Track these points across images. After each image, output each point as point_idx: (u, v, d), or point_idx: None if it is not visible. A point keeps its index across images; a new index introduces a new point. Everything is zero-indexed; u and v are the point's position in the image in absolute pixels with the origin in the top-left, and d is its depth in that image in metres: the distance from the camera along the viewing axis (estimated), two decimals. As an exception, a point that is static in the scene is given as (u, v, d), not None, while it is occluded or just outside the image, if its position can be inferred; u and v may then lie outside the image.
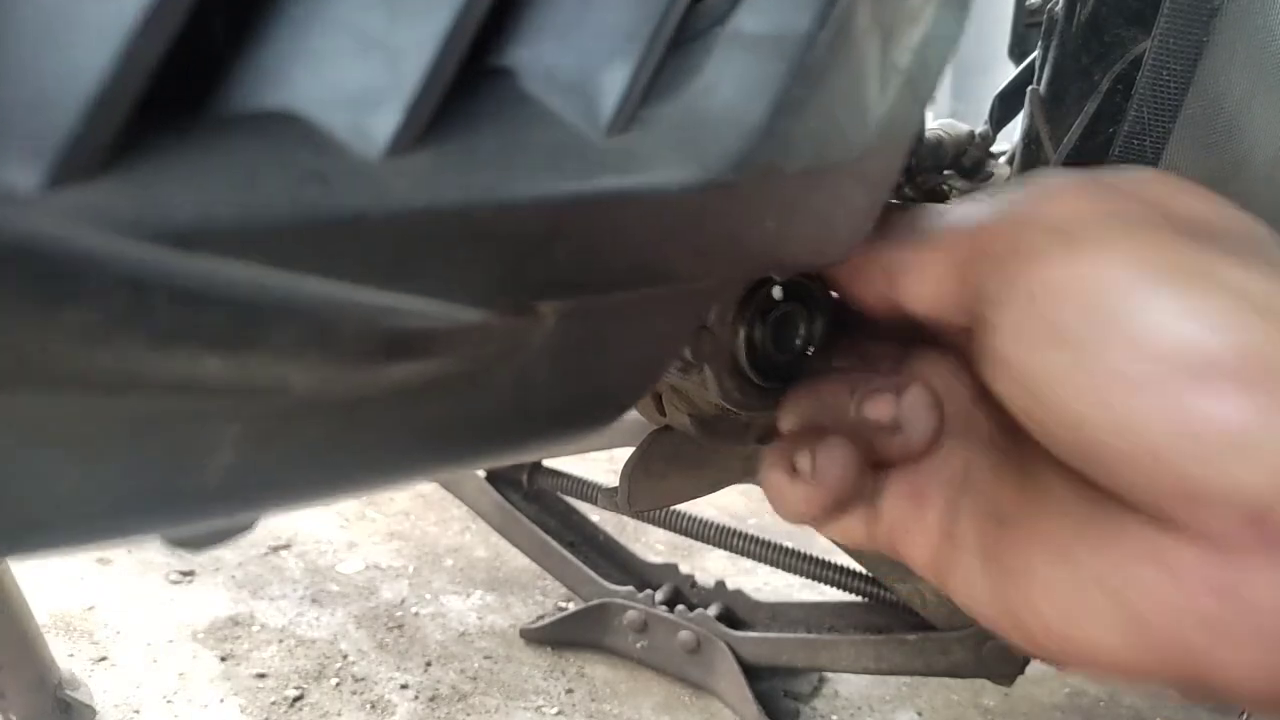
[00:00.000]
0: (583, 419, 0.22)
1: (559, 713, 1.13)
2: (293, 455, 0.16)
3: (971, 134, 0.81)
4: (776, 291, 0.34)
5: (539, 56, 0.18)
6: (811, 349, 0.35)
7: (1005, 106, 0.85)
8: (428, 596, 1.32)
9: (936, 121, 0.80)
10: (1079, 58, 0.62)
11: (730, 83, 0.20)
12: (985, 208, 0.27)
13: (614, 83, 0.19)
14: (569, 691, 1.17)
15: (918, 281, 0.28)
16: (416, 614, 1.28)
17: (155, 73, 0.13)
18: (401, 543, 1.44)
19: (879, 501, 0.32)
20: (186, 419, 0.14)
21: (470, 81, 0.17)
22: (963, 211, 0.28)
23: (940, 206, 0.29)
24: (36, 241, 0.11)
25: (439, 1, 0.15)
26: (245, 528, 0.20)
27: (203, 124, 0.14)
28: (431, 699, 1.13)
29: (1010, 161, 0.80)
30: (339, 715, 1.09)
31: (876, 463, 0.32)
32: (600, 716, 1.13)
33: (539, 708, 1.14)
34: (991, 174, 0.84)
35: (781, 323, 0.34)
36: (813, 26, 0.20)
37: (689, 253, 0.21)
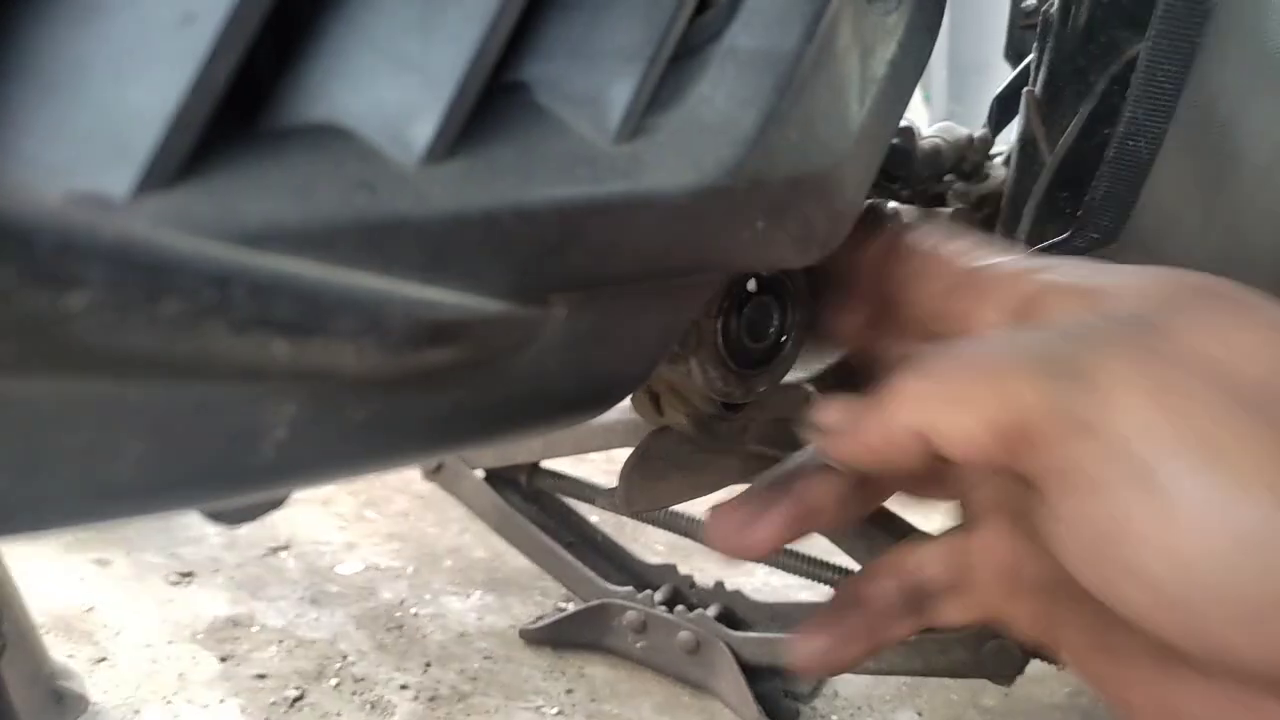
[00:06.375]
0: (589, 401, 0.24)
1: (559, 713, 1.15)
2: (339, 433, 0.18)
3: (970, 138, 0.82)
4: (751, 284, 0.36)
5: (552, 71, 0.20)
6: (785, 339, 0.37)
7: (1003, 109, 0.86)
8: (427, 597, 1.33)
9: (934, 126, 0.81)
10: (1074, 60, 0.63)
11: (724, 94, 0.22)
12: (1025, 356, 0.25)
13: (620, 95, 0.21)
14: (569, 692, 1.18)
15: (958, 435, 0.26)
16: (416, 615, 1.29)
17: (223, 92, 0.15)
18: (400, 544, 1.45)
19: (969, 593, 0.34)
20: (250, 399, 0.16)
21: (492, 94, 0.19)
22: (1001, 356, 0.26)
23: (976, 344, 0.27)
24: (132, 242, 0.13)
25: (468, 24, 0.17)
26: (279, 503, 0.22)
27: (263, 136, 0.16)
28: (431, 699, 1.14)
29: (1007, 163, 0.81)
30: (339, 715, 1.10)
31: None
32: (600, 717, 1.15)
33: (539, 708, 1.15)
34: (990, 176, 0.85)
35: (756, 313, 0.36)
36: (800, 43, 0.22)
37: (687, 251, 0.22)
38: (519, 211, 0.18)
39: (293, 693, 1.13)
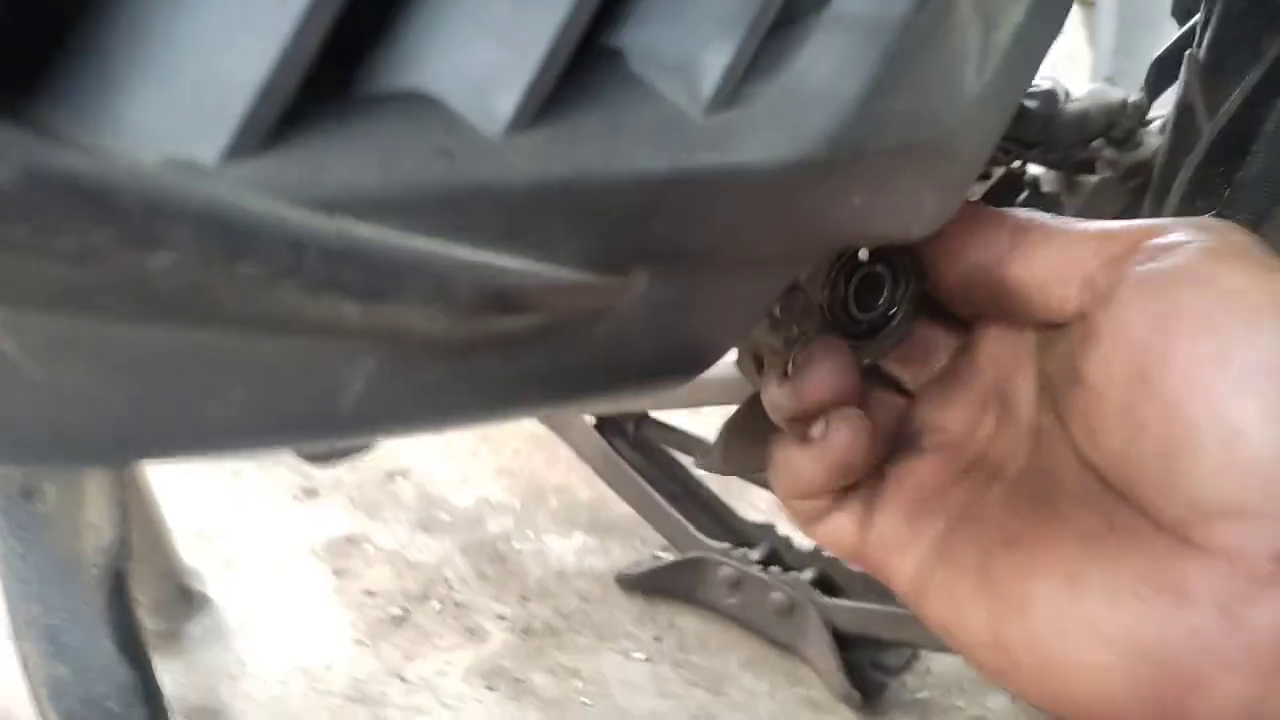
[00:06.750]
0: (670, 371, 0.24)
1: (647, 658, 1.17)
2: (414, 391, 0.19)
3: (1124, 102, 0.76)
4: (863, 253, 0.35)
5: (646, 38, 0.20)
6: (895, 310, 0.36)
7: (1163, 71, 0.80)
8: (530, 534, 1.37)
9: (1087, 87, 0.76)
10: (1244, 22, 0.59)
11: (827, 64, 0.21)
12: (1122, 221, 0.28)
13: (715, 63, 0.20)
14: (658, 639, 1.20)
15: (1050, 247, 0.28)
16: (518, 550, 1.34)
17: (312, 61, 0.15)
18: (510, 480, 1.49)
19: (874, 510, 0.33)
20: (331, 356, 0.17)
21: (583, 61, 0.19)
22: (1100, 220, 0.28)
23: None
24: (217, 206, 0.13)
25: (558, -9, 0.17)
26: (362, 449, 0.23)
27: (351, 103, 0.16)
28: (525, 631, 1.19)
29: (1163, 131, 0.76)
30: (439, 637, 1.16)
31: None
32: (686, 666, 1.17)
33: (627, 651, 1.18)
34: (1143, 144, 0.79)
35: (866, 283, 0.35)
36: (910, 10, 0.21)
37: (779, 225, 0.22)
38: (601, 181, 0.18)
39: (398, 611, 1.20)
